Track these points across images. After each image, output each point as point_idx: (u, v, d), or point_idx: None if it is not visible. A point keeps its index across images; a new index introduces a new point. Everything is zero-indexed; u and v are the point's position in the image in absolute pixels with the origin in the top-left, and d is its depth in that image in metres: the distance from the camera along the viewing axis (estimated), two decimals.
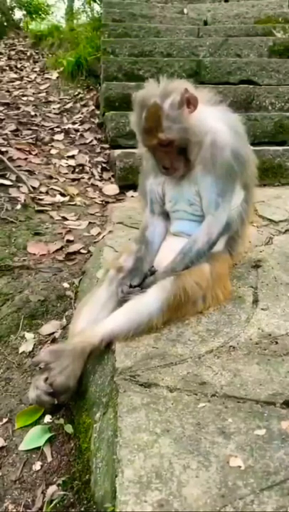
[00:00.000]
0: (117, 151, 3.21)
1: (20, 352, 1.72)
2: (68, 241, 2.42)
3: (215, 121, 1.57)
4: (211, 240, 1.59)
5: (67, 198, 2.94)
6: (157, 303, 1.44)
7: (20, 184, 2.87)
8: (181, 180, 1.62)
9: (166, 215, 1.78)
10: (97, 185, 3.27)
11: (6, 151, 3.17)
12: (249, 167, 1.65)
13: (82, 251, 2.35)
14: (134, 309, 1.44)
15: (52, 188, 3.01)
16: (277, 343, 1.39)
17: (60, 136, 3.85)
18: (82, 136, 3.98)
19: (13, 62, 5.82)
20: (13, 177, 2.91)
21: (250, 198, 1.72)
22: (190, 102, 1.47)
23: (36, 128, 3.87)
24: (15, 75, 5.31)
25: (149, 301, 1.45)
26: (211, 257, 1.59)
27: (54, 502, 1.18)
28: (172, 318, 1.49)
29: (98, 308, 1.54)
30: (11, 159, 3.09)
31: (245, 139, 1.65)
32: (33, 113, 4.14)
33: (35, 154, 3.44)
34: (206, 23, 5.58)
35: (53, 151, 3.58)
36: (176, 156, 1.53)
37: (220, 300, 1.59)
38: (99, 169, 3.51)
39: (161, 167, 1.56)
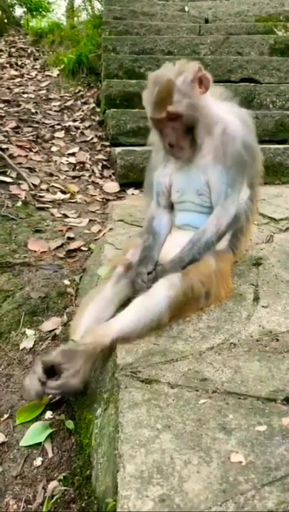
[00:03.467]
0: (118, 149, 3.20)
1: (21, 348, 1.72)
2: (69, 238, 2.42)
3: (226, 113, 1.59)
4: (220, 230, 1.59)
5: (67, 196, 2.94)
6: (166, 300, 1.42)
7: (20, 181, 2.87)
8: (190, 169, 1.61)
9: (171, 208, 1.76)
10: (97, 183, 3.27)
11: (7, 148, 3.17)
12: (258, 161, 1.66)
13: (83, 248, 2.35)
14: (143, 308, 1.42)
15: (52, 186, 3.01)
16: (277, 340, 1.39)
17: (60, 134, 3.84)
18: (82, 133, 3.97)
19: (13, 60, 5.81)
20: (14, 174, 2.91)
21: (254, 197, 1.72)
22: (202, 82, 1.51)
23: (37, 125, 3.86)
24: (15, 72, 5.30)
25: (158, 299, 1.42)
26: (215, 254, 1.59)
27: (55, 497, 1.18)
28: (175, 315, 1.49)
29: (104, 305, 1.52)
30: (11, 156, 3.09)
31: (254, 134, 1.65)
32: (33, 110, 4.13)
33: (36, 152, 3.43)
34: (207, 21, 5.57)
35: (54, 149, 3.58)
36: (183, 134, 1.52)
37: (221, 297, 1.59)
38: (99, 167, 3.50)
39: (166, 144, 1.54)
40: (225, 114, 1.58)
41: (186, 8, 5.77)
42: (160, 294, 1.43)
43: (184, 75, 1.49)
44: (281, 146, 3.27)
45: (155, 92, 1.48)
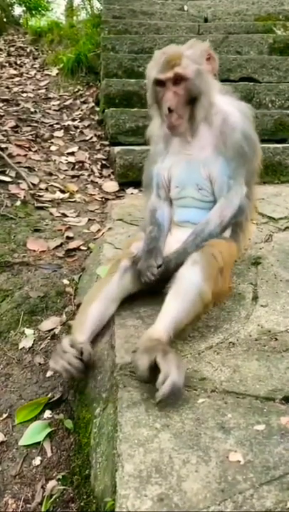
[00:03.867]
0: (117, 148, 3.20)
1: (20, 348, 1.72)
2: (68, 238, 2.42)
3: (226, 104, 1.59)
4: (224, 222, 1.58)
5: (66, 195, 2.94)
6: (198, 276, 1.36)
7: (20, 181, 2.87)
8: (190, 161, 1.60)
9: (170, 202, 1.74)
10: (96, 182, 3.27)
11: (6, 148, 3.17)
12: (257, 155, 1.65)
13: (82, 248, 2.35)
14: (180, 295, 1.35)
15: (52, 185, 3.01)
16: (276, 339, 1.39)
17: (59, 133, 3.84)
18: (82, 132, 3.97)
19: (12, 59, 5.81)
20: (13, 173, 2.91)
21: (251, 195, 1.70)
22: (210, 59, 1.55)
23: (36, 124, 3.86)
24: (14, 72, 5.30)
25: (190, 280, 1.36)
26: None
27: (54, 497, 1.19)
28: (214, 295, 1.40)
29: (110, 300, 1.49)
30: (10, 156, 3.09)
31: (254, 126, 1.64)
32: (32, 109, 4.13)
33: (35, 151, 3.43)
34: (206, 20, 5.57)
35: (53, 148, 3.58)
36: (185, 102, 1.50)
37: (224, 289, 1.54)
38: (99, 166, 3.50)
39: (166, 109, 1.50)
40: (225, 105, 1.58)
41: (186, 8, 5.77)
42: (189, 275, 1.37)
43: (193, 49, 1.51)
44: (280, 146, 3.27)
45: (163, 57, 1.49)
